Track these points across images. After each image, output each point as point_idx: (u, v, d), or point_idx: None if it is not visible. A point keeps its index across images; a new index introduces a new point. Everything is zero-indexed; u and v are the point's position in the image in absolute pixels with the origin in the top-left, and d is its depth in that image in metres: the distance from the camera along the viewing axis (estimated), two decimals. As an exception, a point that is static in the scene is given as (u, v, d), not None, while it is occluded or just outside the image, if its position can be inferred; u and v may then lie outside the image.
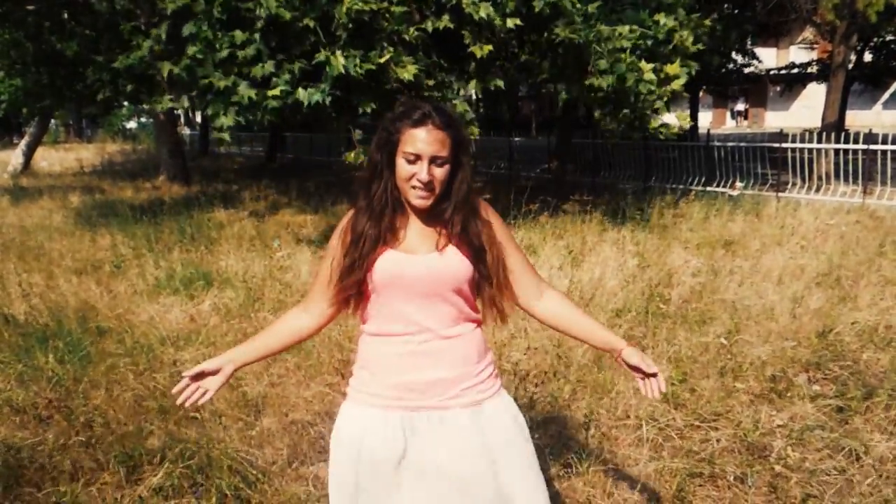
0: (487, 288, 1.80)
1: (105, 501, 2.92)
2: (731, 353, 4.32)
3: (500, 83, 7.77)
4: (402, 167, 1.71)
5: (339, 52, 6.54)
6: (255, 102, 6.83)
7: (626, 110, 7.79)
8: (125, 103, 21.54)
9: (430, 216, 1.78)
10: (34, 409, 3.80)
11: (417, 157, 1.69)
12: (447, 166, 1.72)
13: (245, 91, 6.81)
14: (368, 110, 7.10)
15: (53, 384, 4.06)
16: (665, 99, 7.46)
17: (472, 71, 7.71)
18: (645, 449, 3.28)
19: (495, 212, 1.88)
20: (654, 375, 1.80)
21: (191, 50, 6.90)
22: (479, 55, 7.15)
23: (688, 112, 10.06)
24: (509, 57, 8.15)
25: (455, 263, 1.75)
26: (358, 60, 6.59)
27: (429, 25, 6.96)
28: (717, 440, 3.38)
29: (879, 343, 4.49)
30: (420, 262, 1.74)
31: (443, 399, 1.76)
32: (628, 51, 7.07)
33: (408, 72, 6.76)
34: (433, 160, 1.69)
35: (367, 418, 1.78)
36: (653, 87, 7.12)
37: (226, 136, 7.23)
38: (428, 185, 1.70)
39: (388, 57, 6.71)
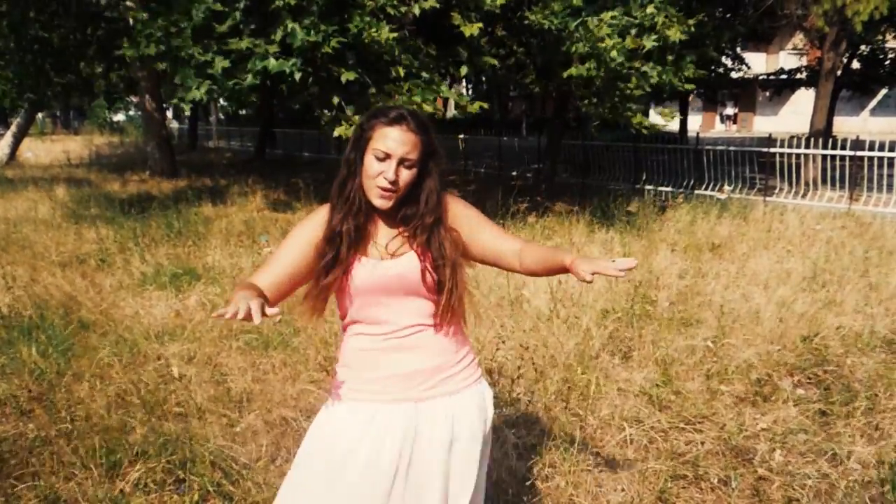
0: (443, 294, 1.80)
1: (85, 495, 2.90)
2: (716, 356, 4.33)
3: (494, 61, 7.77)
4: (370, 164, 1.71)
5: (298, 25, 6.54)
6: (230, 75, 6.83)
7: (607, 100, 7.85)
8: (115, 96, 21.37)
9: (397, 219, 1.80)
10: (15, 402, 3.76)
11: (387, 156, 1.69)
12: (414, 170, 1.73)
13: (220, 63, 6.81)
14: (351, 78, 7.08)
15: (35, 377, 4.02)
16: (636, 88, 7.49)
17: (464, 55, 7.69)
18: (629, 450, 3.29)
19: (459, 200, 1.88)
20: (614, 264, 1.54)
21: (164, 21, 6.92)
22: (468, 34, 7.16)
23: (676, 111, 10.10)
24: (497, 41, 8.15)
25: (420, 267, 1.77)
26: (329, 30, 6.59)
27: (415, 8, 6.95)
28: (702, 442, 3.39)
29: (863, 348, 4.52)
30: (391, 266, 1.76)
31: (421, 390, 1.79)
32: (610, 37, 7.07)
33: (384, 32, 6.75)
34: (402, 161, 1.70)
35: (345, 414, 1.80)
36: (626, 70, 7.12)
37: (186, 107, 7.38)
38: (393, 185, 1.70)
39: (362, 26, 6.69)
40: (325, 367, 4.13)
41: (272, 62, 6.75)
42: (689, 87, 8.44)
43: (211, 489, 2.93)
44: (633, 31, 7.33)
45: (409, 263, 1.77)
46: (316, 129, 22.13)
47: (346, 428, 1.77)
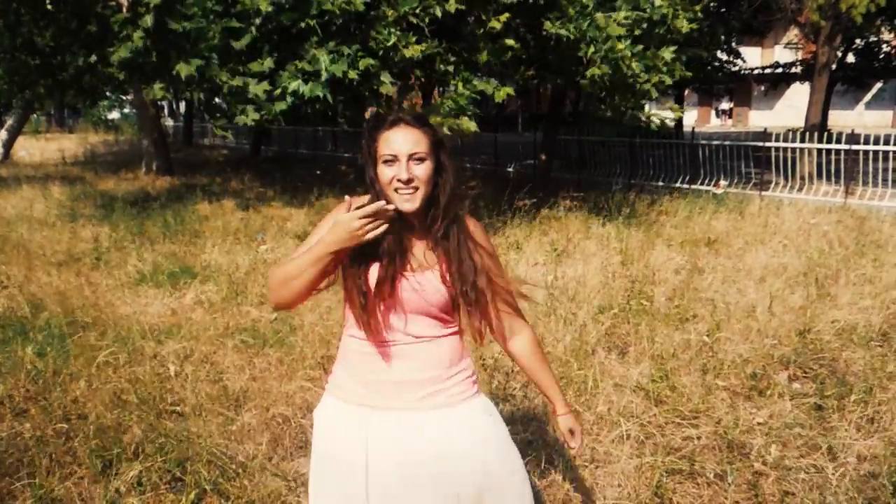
0: (466, 308, 1.79)
1: (81, 495, 2.89)
2: (712, 351, 4.34)
3: (515, 43, 7.77)
4: (383, 172, 1.68)
5: (325, 55, 6.60)
6: (267, 99, 6.96)
7: (618, 98, 7.97)
8: (108, 94, 21.28)
9: (420, 228, 1.76)
10: (11, 402, 3.75)
11: (395, 158, 1.67)
12: (428, 163, 1.69)
13: (255, 88, 6.90)
14: (390, 93, 7.26)
15: (31, 376, 4.01)
16: (654, 83, 7.61)
17: (483, 45, 7.69)
18: (625, 446, 3.29)
19: (484, 232, 1.86)
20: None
21: (203, 47, 7.01)
22: (497, 27, 7.28)
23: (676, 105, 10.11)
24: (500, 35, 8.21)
25: (439, 286, 1.74)
26: (349, 59, 6.68)
27: (437, 10, 7.01)
28: (698, 437, 3.40)
29: (859, 342, 4.53)
30: (410, 281, 1.73)
31: (410, 401, 1.75)
32: (622, 38, 7.17)
33: (414, 50, 6.91)
34: (411, 157, 1.67)
35: (333, 411, 1.82)
36: (642, 73, 7.26)
37: (228, 134, 7.48)
38: (409, 183, 1.67)
39: (393, 40, 6.79)
40: (323, 365, 4.13)
41: (305, 87, 6.82)
42: (686, 74, 8.54)
43: (208, 488, 2.93)
44: (644, 26, 7.44)
45: (429, 279, 1.73)
46: (311, 126, 22.15)
47: (331, 426, 1.81)
